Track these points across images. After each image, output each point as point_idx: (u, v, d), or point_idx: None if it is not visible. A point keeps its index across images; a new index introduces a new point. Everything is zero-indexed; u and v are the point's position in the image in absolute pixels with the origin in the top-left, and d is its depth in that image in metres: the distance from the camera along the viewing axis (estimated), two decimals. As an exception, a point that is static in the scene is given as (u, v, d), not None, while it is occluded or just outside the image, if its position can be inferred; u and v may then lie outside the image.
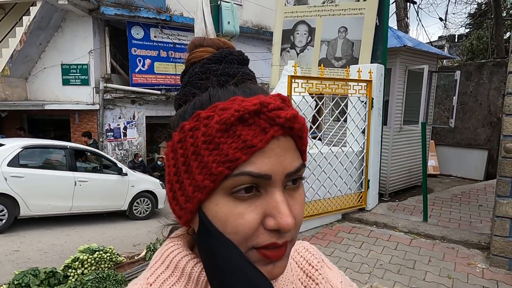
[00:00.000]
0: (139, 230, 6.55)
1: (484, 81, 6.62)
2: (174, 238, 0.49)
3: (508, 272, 3.12)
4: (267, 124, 0.39)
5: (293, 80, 3.60)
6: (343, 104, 4.10)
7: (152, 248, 4.61)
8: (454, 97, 5.33)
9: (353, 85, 4.14)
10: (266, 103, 0.39)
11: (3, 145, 5.82)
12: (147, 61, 10.66)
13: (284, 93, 3.63)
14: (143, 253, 4.72)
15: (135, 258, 4.74)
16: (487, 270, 3.17)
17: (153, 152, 12.31)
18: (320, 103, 4.00)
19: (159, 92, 10.75)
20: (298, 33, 5.18)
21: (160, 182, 8.23)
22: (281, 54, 5.34)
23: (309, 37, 5.10)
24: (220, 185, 0.39)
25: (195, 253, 0.47)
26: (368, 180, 4.47)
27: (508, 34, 12.31)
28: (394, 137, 5.12)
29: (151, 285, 0.45)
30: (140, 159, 10.65)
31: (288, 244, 0.42)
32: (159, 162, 11.11)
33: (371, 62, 4.59)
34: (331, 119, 4.35)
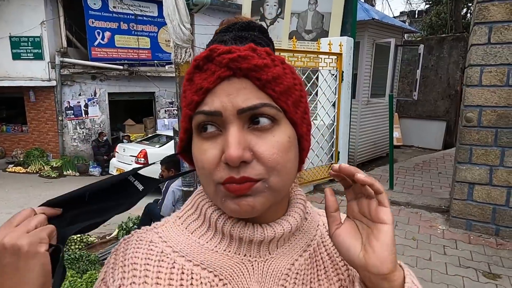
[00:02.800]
0: (108, 210, 6.38)
1: (444, 55, 6.91)
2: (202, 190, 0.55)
3: (465, 231, 3.40)
4: (216, 67, 0.43)
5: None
6: (314, 77, 4.13)
7: (124, 226, 4.53)
8: (418, 71, 5.53)
9: (324, 58, 4.16)
10: (216, 49, 0.43)
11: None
12: (107, 34, 10.04)
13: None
14: (115, 232, 4.62)
15: (107, 238, 4.64)
16: (447, 230, 3.43)
17: (118, 131, 11.86)
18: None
19: (121, 67, 10.22)
20: (267, 5, 5.07)
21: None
22: (250, 27, 5.22)
23: (279, 9, 5.01)
24: (191, 126, 0.47)
25: None
26: (338, 152, 4.60)
27: (465, 10, 12.84)
28: (362, 110, 5.27)
29: (180, 218, 0.54)
30: (104, 138, 10.23)
31: (258, 183, 0.43)
32: (125, 141, 10.74)
33: (341, 35, 4.62)
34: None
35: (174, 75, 3.24)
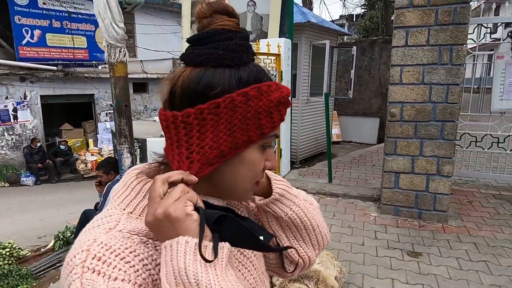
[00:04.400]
0: (44, 222, 5.96)
1: (375, 56, 7.48)
2: (133, 173, 0.59)
3: (393, 217, 3.73)
4: (287, 106, 0.58)
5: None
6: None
7: (61, 237, 4.27)
8: (352, 71, 5.92)
9: (263, 59, 4.29)
10: (288, 93, 0.58)
11: None
12: (37, 32, 9.32)
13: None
14: (51, 244, 4.34)
15: (42, 250, 4.34)
16: (378, 217, 3.74)
17: (53, 136, 11.05)
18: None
19: (55, 68, 9.55)
20: (207, 5, 5.09)
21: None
22: (191, 27, 5.21)
23: (219, 10, 5.05)
24: (260, 139, 0.56)
25: None
26: (281, 149, 4.77)
27: (394, 14, 13.95)
28: (302, 108, 5.51)
29: (131, 212, 0.55)
30: (38, 144, 9.48)
31: None
32: (62, 147, 10.06)
33: (279, 37, 4.79)
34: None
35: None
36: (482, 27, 4.06)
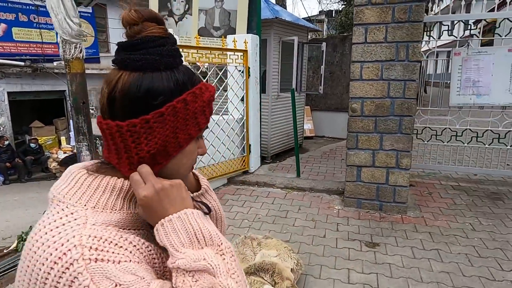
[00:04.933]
0: (10, 222, 5.79)
1: (346, 52, 7.60)
2: (81, 171, 0.61)
3: (356, 209, 3.84)
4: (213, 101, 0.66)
5: (167, 49, 3.55)
6: (221, 73, 4.25)
7: (25, 237, 4.16)
8: (322, 66, 5.99)
9: (230, 55, 4.30)
10: (214, 91, 0.67)
11: None
12: (2, 26, 8.97)
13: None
14: (14, 244, 4.23)
15: (4, 251, 4.22)
16: (342, 210, 3.84)
17: (23, 134, 10.71)
18: (200, 72, 4.06)
19: (22, 63, 9.23)
20: (175, 0, 5.04)
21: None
22: (159, 22, 5.14)
23: (187, 5, 5.02)
24: (198, 134, 0.64)
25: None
26: (250, 145, 4.81)
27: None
28: (272, 104, 5.55)
29: (95, 207, 0.57)
30: (6, 142, 9.17)
31: None
32: (32, 145, 9.77)
33: (248, 33, 4.80)
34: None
35: (88, 71, 3.07)
36: (458, 24, 4.19)
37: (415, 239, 3.18)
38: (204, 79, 4.12)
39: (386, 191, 3.70)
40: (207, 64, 4.04)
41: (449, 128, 4.45)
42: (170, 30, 4.33)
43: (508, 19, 3.99)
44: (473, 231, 3.32)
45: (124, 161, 0.59)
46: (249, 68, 4.54)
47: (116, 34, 11.37)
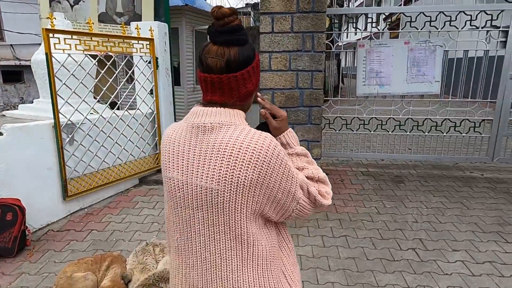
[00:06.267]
0: None
1: (265, 44, 7.62)
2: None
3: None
4: None
5: (50, 35, 3.06)
6: (123, 63, 3.85)
7: None
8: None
9: (133, 44, 3.92)
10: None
11: None
12: None
13: (42, 50, 3.07)
14: None
15: None
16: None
17: None
18: (104, 63, 3.62)
19: None
20: (69, -19, 4.45)
21: None
22: (50, 5, 4.50)
23: (83, -13, 4.46)
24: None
25: None
26: (163, 141, 4.49)
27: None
28: (189, 97, 5.28)
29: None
30: None
31: None
32: None
33: (155, 20, 4.45)
34: (119, 80, 4.04)
35: None
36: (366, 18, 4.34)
37: (326, 227, 3.24)
38: (103, 70, 3.69)
39: (300, 182, 3.71)
40: (110, 53, 3.62)
41: (357, 117, 4.67)
42: (62, 15, 3.79)
43: (403, 13, 4.28)
44: (378, 214, 3.50)
45: (235, 98, 0.91)
46: (157, 58, 4.20)
47: (12, 20, 9.92)
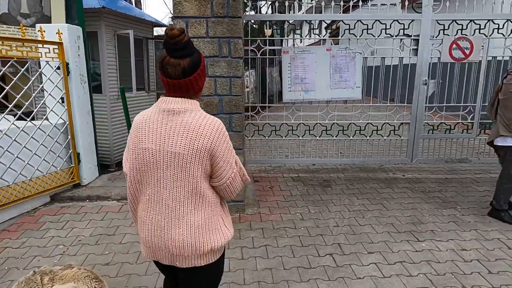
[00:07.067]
0: None
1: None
2: None
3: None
4: None
5: None
6: (23, 69, 3.47)
7: None
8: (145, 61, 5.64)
9: (36, 47, 3.56)
10: None
11: None
12: None
13: None
14: None
15: None
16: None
17: None
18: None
19: None
20: (-38, -23, 3.95)
21: None
22: None
23: (-20, -16, 3.99)
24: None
25: None
26: (79, 154, 4.13)
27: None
28: (112, 105, 4.94)
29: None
30: None
31: None
32: None
33: (68, 22, 4.09)
34: (33, 88, 3.63)
35: None
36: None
37: (247, 238, 3.14)
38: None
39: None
40: (7, 58, 3.22)
41: (286, 123, 4.68)
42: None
43: (343, 21, 4.38)
44: (301, 220, 3.48)
45: (191, 93, 1.30)
46: (67, 64, 3.86)
47: None
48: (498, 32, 4.36)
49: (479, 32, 4.35)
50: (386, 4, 4.62)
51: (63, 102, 3.92)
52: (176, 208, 1.28)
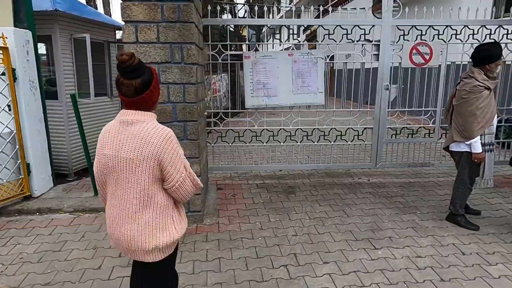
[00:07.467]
0: None
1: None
2: None
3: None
4: None
5: None
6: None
7: None
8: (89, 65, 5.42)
9: (-23, 52, 3.34)
10: None
11: None
12: None
13: None
14: None
15: None
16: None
17: None
18: None
19: None
20: None
21: None
22: None
23: None
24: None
25: None
26: (29, 164, 3.91)
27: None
28: (69, 112, 4.73)
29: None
30: None
31: None
32: None
33: (16, 26, 3.88)
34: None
35: None
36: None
37: (202, 250, 3.03)
38: None
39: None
40: None
41: (249, 129, 4.60)
42: None
43: (322, 26, 4.33)
44: (260, 230, 3.40)
45: (146, 107, 1.48)
46: (14, 69, 3.65)
47: None
48: (456, 38, 4.43)
49: (438, 38, 4.41)
50: (356, 9, 4.63)
51: (9, 109, 3.71)
52: (127, 207, 1.48)
